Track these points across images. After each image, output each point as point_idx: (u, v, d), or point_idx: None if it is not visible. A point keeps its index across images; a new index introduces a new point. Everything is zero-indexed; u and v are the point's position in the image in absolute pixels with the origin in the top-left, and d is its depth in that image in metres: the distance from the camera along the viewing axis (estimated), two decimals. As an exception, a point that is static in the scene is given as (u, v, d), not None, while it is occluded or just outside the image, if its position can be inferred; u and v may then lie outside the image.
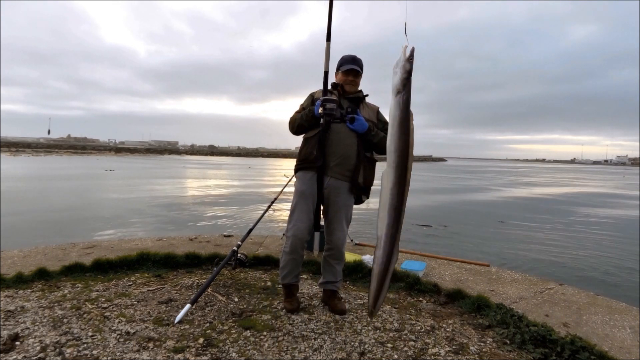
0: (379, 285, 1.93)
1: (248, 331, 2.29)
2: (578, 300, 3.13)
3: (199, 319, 2.43)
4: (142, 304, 2.62)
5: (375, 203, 1.97)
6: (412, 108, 1.88)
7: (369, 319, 2.51)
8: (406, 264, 3.65)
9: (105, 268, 3.23)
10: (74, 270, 3.15)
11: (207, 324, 2.36)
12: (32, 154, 49.87)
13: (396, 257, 1.93)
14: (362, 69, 2.58)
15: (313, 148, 2.51)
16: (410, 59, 1.83)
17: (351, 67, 2.53)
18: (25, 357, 1.92)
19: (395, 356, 2.11)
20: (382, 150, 2.57)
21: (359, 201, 2.65)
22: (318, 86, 2.59)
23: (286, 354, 2.08)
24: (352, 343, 2.22)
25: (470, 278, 3.56)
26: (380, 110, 2.69)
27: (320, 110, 2.41)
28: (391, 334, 2.35)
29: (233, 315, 2.51)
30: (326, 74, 2.51)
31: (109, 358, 1.96)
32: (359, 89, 2.65)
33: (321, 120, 2.44)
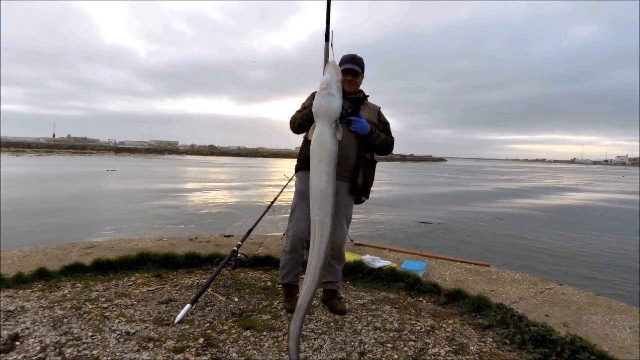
0: None
1: (248, 331, 2.29)
2: (578, 300, 3.13)
3: (199, 319, 2.44)
4: (142, 304, 2.62)
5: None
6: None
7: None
8: (406, 264, 3.65)
9: (105, 268, 3.24)
10: (74, 270, 3.15)
11: (207, 324, 2.36)
12: (33, 154, 49.95)
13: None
14: (362, 68, 2.54)
15: (313, 149, 2.51)
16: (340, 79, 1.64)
17: (349, 66, 2.50)
18: (25, 357, 1.92)
19: (395, 356, 2.11)
20: (383, 152, 2.57)
21: (358, 201, 2.65)
22: (318, 86, 2.59)
23: (286, 354, 2.08)
24: (352, 343, 2.22)
25: (470, 278, 3.56)
26: (382, 110, 2.69)
27: None
28: (391, 334, 2.35)
29: (233, 315, 2.51)
30: None
31: (109, 358, 1.96)
32: (360, 89, 2.64)
33: None
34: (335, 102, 1.56)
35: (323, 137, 1.59)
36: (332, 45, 1.68)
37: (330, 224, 1.56)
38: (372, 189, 2.65)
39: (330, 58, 1.59)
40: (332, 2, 2.52)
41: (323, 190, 1.58)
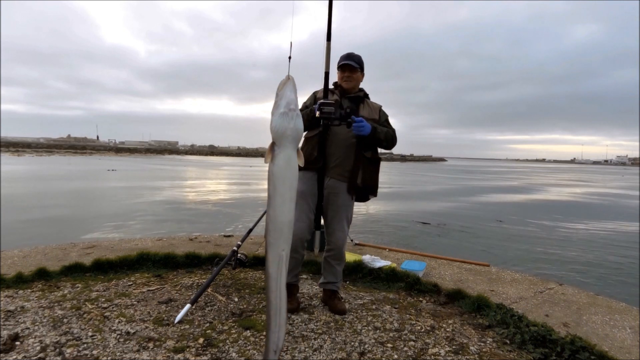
0: None
1: (248, 331, 2.29)
2: (578, 300, 3.13)
3: (199, 319, 2.43)
4: (142, 304, 2.62)
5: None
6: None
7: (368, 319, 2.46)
8: (406, 264, 3.65)
9: (105, 268, 3.23)
10: (74, 270, 3.15)
11: (207, 324, 2.36)
12: (33, 153, 49.98)
13: None
14: (360, 65, 2.55)
15: (313, 149, 2.51)
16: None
17: (344, 62, 2.52)
18: (25, 357, 1.92)
19: (395, 356, 2.11)
20: (389, 145, 2.58)
21: (365, 199, 2.66)
22: (319, 86, 2.59)
23: (286, 354, 2.08)
24: (352, 343, 2.22)
25: (470, 278, 3.56)
26: (382, 108, 2.69)
27: (318, 114, 2.39)
28: (391, 334, 2.35)
29: (233, 315, 2.51)
30: (327, 74, 2.51)
31: (109, 358, 1.96)
32: (361, 87, 2.64)
33: (321, 122, 2.44)
34: (301, 124, 1.56)
35: (292, 163, 1.54)
36: (290, 57, 1.62)
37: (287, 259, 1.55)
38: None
39: (288, 73, 1.56)
40: (333, 2, 2.51)
41: (290, 221, 1.53)
